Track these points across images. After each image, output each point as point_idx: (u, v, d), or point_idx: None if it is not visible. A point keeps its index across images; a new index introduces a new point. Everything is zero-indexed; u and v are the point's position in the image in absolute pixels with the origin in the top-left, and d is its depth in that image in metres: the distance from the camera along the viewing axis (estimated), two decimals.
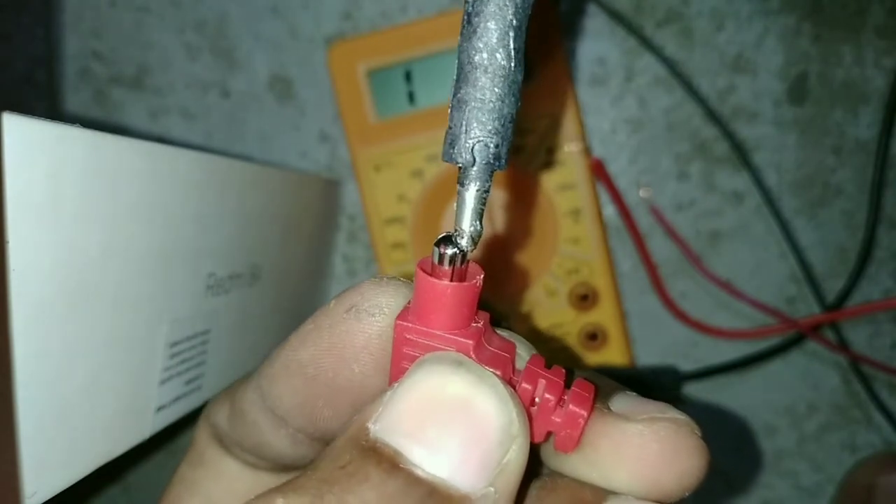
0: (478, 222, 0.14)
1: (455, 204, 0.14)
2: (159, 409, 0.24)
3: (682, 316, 0.38)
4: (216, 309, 0.26)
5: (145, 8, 0.41)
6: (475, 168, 0.14)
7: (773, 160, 0.38)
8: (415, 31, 0.37)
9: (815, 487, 0.40)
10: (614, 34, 0.38)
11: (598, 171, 0.38)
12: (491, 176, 0.14)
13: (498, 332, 0.16)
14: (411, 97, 0.38)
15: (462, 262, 0.14)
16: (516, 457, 0.14)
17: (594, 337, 0.38)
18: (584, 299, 0.38)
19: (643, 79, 0.38)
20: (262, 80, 0.41)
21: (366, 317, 0.16)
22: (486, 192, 0.14)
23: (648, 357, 0.40)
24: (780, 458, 0.40)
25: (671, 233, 0.38)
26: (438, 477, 0.13)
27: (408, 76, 0.37)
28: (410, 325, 0.14)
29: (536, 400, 0.15)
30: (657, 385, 0.38)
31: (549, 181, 0.37)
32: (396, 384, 0.14)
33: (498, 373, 0.14)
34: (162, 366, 0.23)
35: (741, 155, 0.38)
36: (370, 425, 0.14)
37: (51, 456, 0.18)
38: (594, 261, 0.37)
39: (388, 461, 0.13)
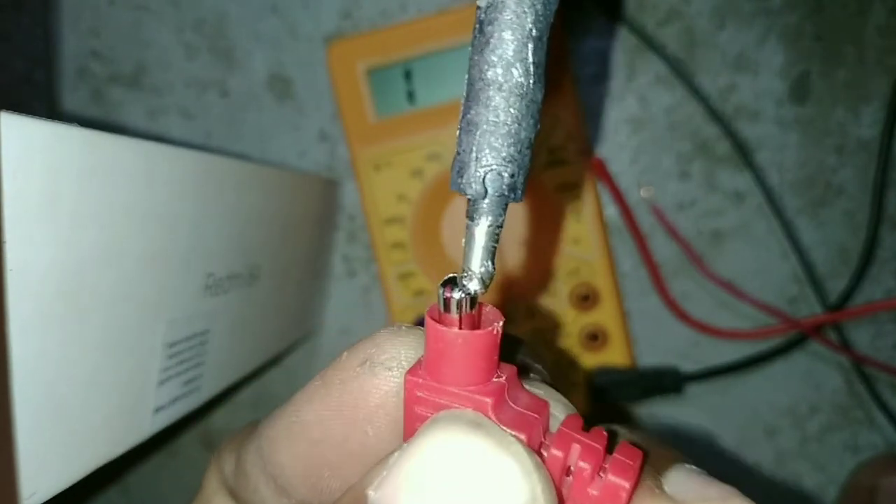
0: (489, 262, 0.12)
1: (463, 239, 0.13)
2: (157, 409, 0.23)
3: (683, 316, 0.38)
4: (215, 309, 0.26)
5: (144, 7, 0.41)
6: (487, 200, 0.12)
7: (775, 160, 0.38)
8: (415, 30, 0.37)
9: (818, 488, 0.40)
10: (615, 33, 0.38)
11: (599, 171, 0.37)
12: (505, 209, 0.12)
13: (529, 387, 0.14)
14: (411, 96, 0.38)
15: (471, 307, 0.12)
16: None
17: (595, 337, 0.38)
18: (585, 299, 0.37)
19: (644, 78, 0.38)
20: (261, 80, 0.41)
21: (382, 371, 0.14)
22: (500, 227, 0.12)
23: (649, 358, 0.40)
24: (782, 459, 0.40)
25: (672, 233, 0.38)
26: None
27: (407, 75, 0.37)
28: (421, 380, 0.13)
29: (572, 469, 0.13)
30: (658, 386, 0.38)
31: (550, 181, 0.37)
32: (405, 445, 0.12)
33: (522, 437, 0.12)
34: (160, 366, 0.23)
35: (743, 154, 0.37)
36: (370, 492, 0.12)
37: (49, 457, 0.18)
38: (595, 261, 0.37)
39: None
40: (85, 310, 0.19)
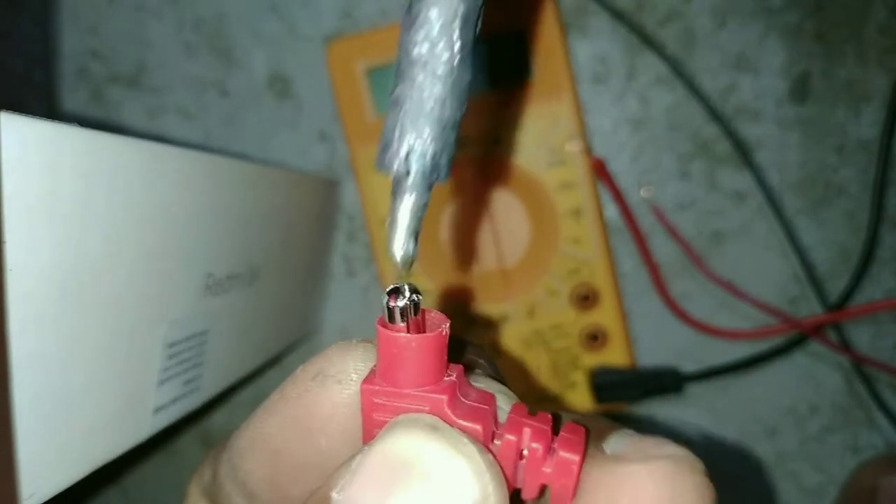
0: (411, 243, 0.12)
1: (387, 221, 0.13)
2: (157, 410, 0.23)
3: (683, 316, 0.38)
4: (214, 309, 0.26)
5: (143, 6, 0.41)
6: (410, 179, 0.12)
7: (775, 159, 0.38)
8: None
9: (818, 489, 0.40)
10: (615, 32, 0.38)
11: (600, 171, 0.37)
12: (429, 188, 0.12)
13: (476, 383, 0.15)
14: None
15: (416, 312, 0.13)
16: None
17: (595, 337, 0.38)
18: (585, 299, 0.37)
19: (645, 77, 0.38)
20: (260, 79, 0.41)
21: (332, 384, 0.15)
22: (424, 206, 0.12)
23: (650, 358, 0.39)
24: (782, 460, 0.40)
25: (673, 233, 0.38)
26: None
27: None
28: (377, 387, 0.13)
29: (525, 452, 0.13)
30: (658, 386, 0.38)
31: (550, 181, 0.37)
32: (366, 448, 0.13)
33: (478, 427, 0.13)
34: (160, 366, 0.23)
35: (743, 154, 0.37)
36: (334, 494, 0.13)
37: (48, 457, 0.18)
38: (595, 261, 0.37)
39: None
40: (84, 310, 0.19)
